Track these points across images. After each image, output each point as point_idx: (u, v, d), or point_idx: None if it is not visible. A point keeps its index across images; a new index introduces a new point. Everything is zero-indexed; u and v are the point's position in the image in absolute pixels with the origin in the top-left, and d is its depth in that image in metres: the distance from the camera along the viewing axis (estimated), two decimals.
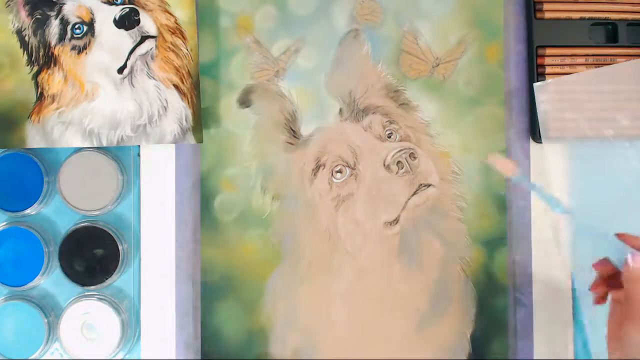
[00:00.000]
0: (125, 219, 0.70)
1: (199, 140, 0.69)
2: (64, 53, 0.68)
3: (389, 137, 0.70)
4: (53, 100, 0.68)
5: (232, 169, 0.70)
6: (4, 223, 0.69)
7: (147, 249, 0.70)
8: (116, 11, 0.68)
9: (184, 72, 0.69)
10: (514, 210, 0.72)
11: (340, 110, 0.71)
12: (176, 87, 0.69)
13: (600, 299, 0.62)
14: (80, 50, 0.68)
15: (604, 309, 0.67)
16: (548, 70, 0.71)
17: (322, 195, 0.70)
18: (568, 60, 0.72)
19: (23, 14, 0.68)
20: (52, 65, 0.68)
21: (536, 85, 0.71)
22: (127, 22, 0.68)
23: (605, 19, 0.72)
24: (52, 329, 0.68)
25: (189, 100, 0.69)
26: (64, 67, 0.68)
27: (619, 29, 0.72)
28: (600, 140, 0.72)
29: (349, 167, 0.70)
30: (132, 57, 0.68)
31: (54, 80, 0.68)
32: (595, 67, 0.72)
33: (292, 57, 0.71)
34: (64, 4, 0.68)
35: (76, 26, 0.68)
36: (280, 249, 0.70)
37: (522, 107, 0.72)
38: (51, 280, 0.69)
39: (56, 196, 0.69)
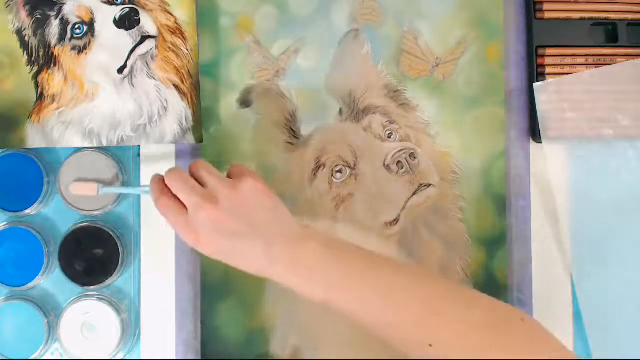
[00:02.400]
0: (125, 219, 0.70)
1: (199, 140, 0.69)
2: (64, 53, 0.68)
3: (389, 137, 0.70)
4: (53, 100, 0.68)
5: None
6: (4, 223, 0.69)
7: (147, 249, 0.70)
8: (116, 11, 0.68)
9: (184, 72, 0.69)
10: (514, 210, 0.72)
11: (340, 110, 0.71)
12: (176, 87, 0.69)
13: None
14: (80, 50, 0.68)
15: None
16: (548, 70, 0.71)
17: (322, 195, 0.70)
18: (568, 60, 0.72)
19: (23, 14, 0.68)
20: (52, 65, 0.68)
21: (536, 85, 0.71)
22: (127, 22, 0.68)
23: (605, 19, 0.72)
24: (52, 329, 0.68)
25: (189, 100, 0.69)
26: (64, 67, 0.68)
27: (619, 29, 0.72)
28: (600, 140, 0.72)
29: (349, 167, 0.70)
30: (132, 57, 0.68)
31: (54, 80, 0.68)
32: (595, 67, 0.71)
33: (292, 57, 0.71)
34: (64, 4, 0.68)
35: (76, 26, 0.68)
36: None
37: (522, 107, 0.72)
38: (51, 280, 0.69)
39: (56, 196, 0.69)
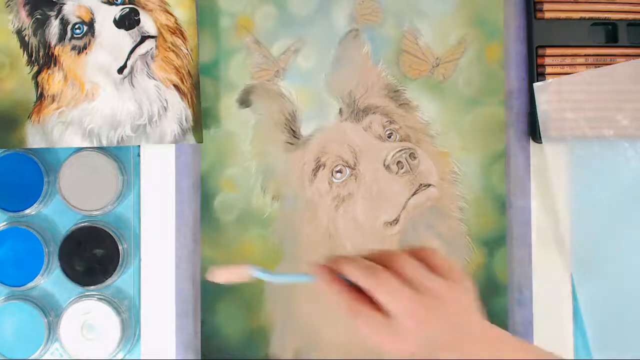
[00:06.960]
0: (125, 219, 0.70)
1: (199, 140, 0.69)
2: (64, 53, 0.68)
3: (389, 137, 0.70)
4: (53, 100, 0.68)
5: (232, 169, 0.70)
6: (4, 223, 0.69)
7: (147, 249, 0.70)
8: (116, 11, 0.68)
9: (184, 72, 0.69)
10: (514, 210, 0.72)
11: (340, 110, 0.71)
12: (176, 87, 0.69)
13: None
14: (80, 50, 0.68)
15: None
16: (548, 70, 0.71)
17: (322, 195, 0.70)
18: (568, 60, 0.72)
19: (23, 14, 0.68)
20: (52, 65, 0.68)
21: (536, 85, 0.71)
22: (127, 22, 0.68)
23: (605, 19, 0.72)
24: (52, 329, 0.68)
25: (189, 100, 0.69)
26: (64, 67, 0.68)
27: (619, 29, 0.72)
28: (600, 140, 0.72)
29: (349, 167, 0.70)
30: (132, 57, 0.68)
31: (54, 80, 0.68)
32: (595, 67, 0.71)
33: (292, 57, 0.71)
34: (64, 4, 0.68)
35: (76, 26, 0.68)
36: (280, 249, 0.70)
37: (522, 107, 0.72)
38: (51, 280, 0.69)
39: (56, 196, 0.69)
